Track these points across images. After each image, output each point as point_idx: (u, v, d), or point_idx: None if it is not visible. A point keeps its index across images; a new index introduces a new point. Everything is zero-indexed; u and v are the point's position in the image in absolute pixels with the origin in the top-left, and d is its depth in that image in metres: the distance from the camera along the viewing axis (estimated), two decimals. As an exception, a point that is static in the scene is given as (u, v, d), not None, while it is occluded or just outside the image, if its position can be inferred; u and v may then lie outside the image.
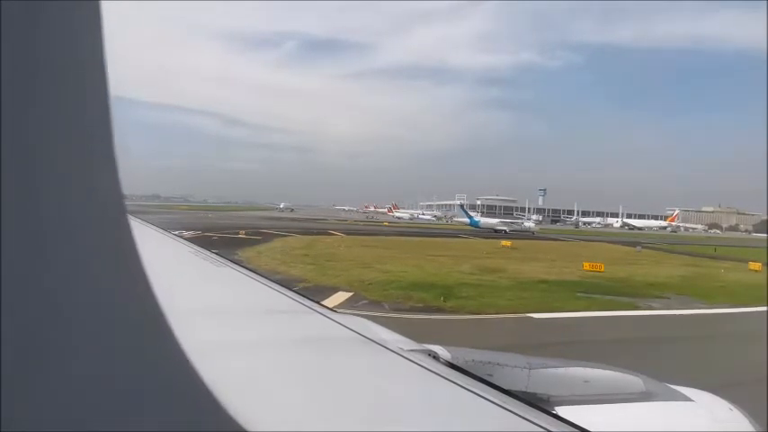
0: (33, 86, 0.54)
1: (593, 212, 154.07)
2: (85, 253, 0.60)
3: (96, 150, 0.61)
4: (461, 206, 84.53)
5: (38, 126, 0.54)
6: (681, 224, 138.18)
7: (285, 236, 37.59)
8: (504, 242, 40.03)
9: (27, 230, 0.53)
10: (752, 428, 2.17)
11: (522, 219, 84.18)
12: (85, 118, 0.59)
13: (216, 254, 3.82)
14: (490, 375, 1.85)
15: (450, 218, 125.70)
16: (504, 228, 62.29)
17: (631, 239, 61.51)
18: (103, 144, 0.60)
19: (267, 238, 34.89)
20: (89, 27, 0.58)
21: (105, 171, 0.61)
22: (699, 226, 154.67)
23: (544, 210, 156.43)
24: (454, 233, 57.49)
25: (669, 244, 56.58)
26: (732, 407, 2.25)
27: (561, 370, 2.12)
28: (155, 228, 4.95)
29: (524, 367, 2.02)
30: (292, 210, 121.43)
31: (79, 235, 0.59)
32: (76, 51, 0.58)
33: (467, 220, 69.65)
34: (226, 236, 33.92)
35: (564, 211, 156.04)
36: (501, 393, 1.40)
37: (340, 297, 14.99)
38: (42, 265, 0.55)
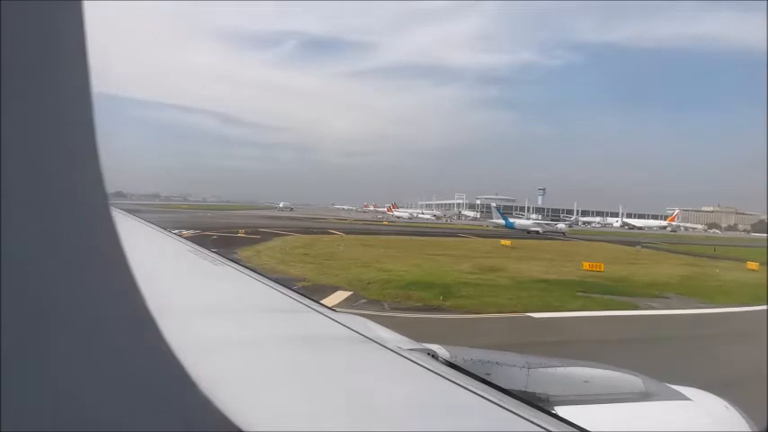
0: (16, 86, 0.54)
1: (592, 212, 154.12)
2: (68, 253, 0.59)
3: (79, 150, 0.60)
4: (497, 208, 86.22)
5: (20, 126, 0.54)
6: (681, 224, 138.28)
7: (284, 235, 37.59)
8: (503, 241, 40.07)
9: (9, 230, 0.53)
10: (747, 427, 2.18)
11: (555, 221, 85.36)
12: (67, 117, 0.59)
13: (215, 252, 3.82)
14: (489, 375, 1.85)
15: (449, 217, 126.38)
16: (538, 229, 63.81)
17: (631, 239, 61.64)
18: (86, 143, 0.60)
19: (266, 237, 34.88)
20: (71, 27, 0.58)
21: (88, 170, 0.61)
22: (698, 226, 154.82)
23: (543, 209, 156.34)
24: (453, 232, 57.56)
25: (669, 243, 56.64)
26: (728, 405, 2.26)
27: (560, 369, 2.12)
28: (154, 227, 4.94)
29: (523, 367, 2.02)
30: (292, 209, 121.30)
31: (62, 234, 0.59)
32: (58, 51, 0.58)
33: (502, 221, 71.49)
34: (225, 235, 33.94)
35: (563, 210, 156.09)
36: (500, 393, 1.40)
37: (339, 296, 15.00)
38: (26, 266, 0.55)
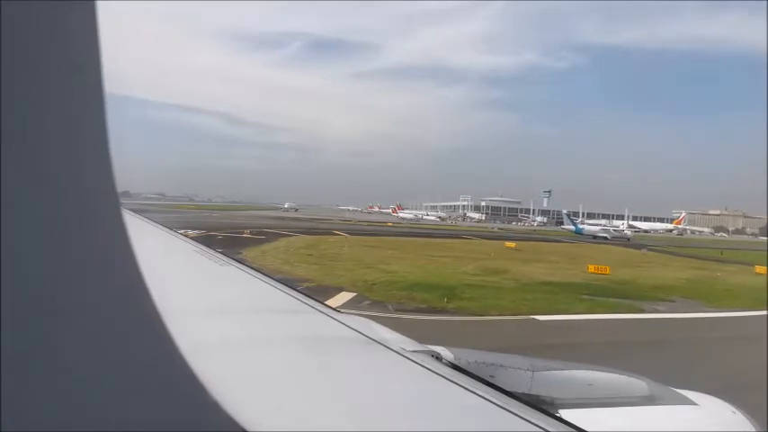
0: (28, 86, 0.55)
1: (598, 214, 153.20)
2: (78, 252, 0.60)
3: (90, 149, 0.61)
4: (567, 215, 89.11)
5: (31, 125, 0.55)
6: (687, 227, 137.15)
7: (289, 235, 37.67)
8: (507, 243, 39.98)
9: (20, 229, 0.54)
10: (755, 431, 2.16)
11: (623, 227, 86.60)
12: (80, 117, 0.60)
13: (220, 253, 3.83)
14: (493, 377, 1.85)
15: (454, 219, 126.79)
16: (606, 235, 66.01)
17: (637, 241, 61.50)
18: (97, 143, 0.61)
19: (271, 237, 34.98)
20: (84, 27, 0.58)
21: (99, 169, 0.62)
22: (705, 229, 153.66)
23: (549, 211, 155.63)
24: (457, 234, 57.54)
25: (675, 247, 56.27)
26: (735, 410, 2.24)
27: (564, 372, 2.11)
28: (160, 226, 4.97)
29: (527, 369, 2.01)
30: (296, 210, 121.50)
31: (71, 233, 0.59)
32: (71, 51, 0.58)
33: (572, 227, 75.35)
34: (230, 235, 34.07)
35: (569, 213, 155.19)
36: (504, 395, 1.40)
37: (344, 297, 15.00)
38: (35, 265, 0.55)
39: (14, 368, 0.52)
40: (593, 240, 60.23)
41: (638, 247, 49.87)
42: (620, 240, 63.14)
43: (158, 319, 0.66)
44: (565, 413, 1.68)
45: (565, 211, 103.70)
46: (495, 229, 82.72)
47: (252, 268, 3.27)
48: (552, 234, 73.96)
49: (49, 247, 0.57)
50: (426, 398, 1.33)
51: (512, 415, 1.19)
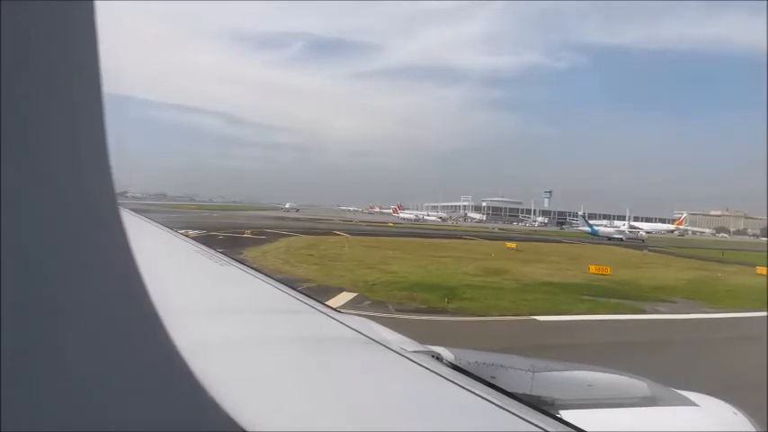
0: (28, 86, 0.55)
1: (599, 215, 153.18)
2: (77, 252, 0.60)
3: (89, 149, 0.61)
4: (583, 216, 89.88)
5: (31, 125, 0.55)
6: (688, 228, 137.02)
7: (290, 236, 37.68)
8: (508, 244, 39.98)
9: (18, 229, 0.54)
10: None
11: (638, 229, 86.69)
12: (79, 117, 0.60)
13: (221, 253, 3.84)
14: (493, 377, 1.85)
15: (455, 219, 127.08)
16: (621, 236, 66.49)
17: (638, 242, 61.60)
18: (96, 143, 0.61)
19: (272, 237, 34.99)
20: (84, 27, 0.58)
21: (98, 170, 0.62)
22: (707, 229, 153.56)
23: (550, 212, 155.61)
24: (458, 234, 57.54)
25: (676, 247, 56.25)
26: (737, 411, 2.24)
27: (565, 373, 2.11)
28: (161, 226, 4.98)
29: (528, 370, 2.02)
30: (297, 210, 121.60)
31: (70, 233, 0.59)
32: (71, 51, 0.58)
33: (588, 228, 75.95)
34: (231, 235, 34.10)
35: (570, 213, 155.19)
36: (504, 396, 1.40)
37: (344, 297, 15.00)
38: (34, 265, 0.55)
39: (14, 368, 0.52)
40: (609, 242, 60.32)
41: (640, 247, 49.88)
42: (634, 242, 63.15)
43: (158, 320, 0.66)
44: (565, 414, 1.68)
45: (581, 213, 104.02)
46: (496, 230, 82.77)
47: (252, 268, 3.27)
48: (553, 234, 73.96)
49: (48, 247, 0.57)
50: (426, 398, 1.33)
51: (512, 415, 1.19)
